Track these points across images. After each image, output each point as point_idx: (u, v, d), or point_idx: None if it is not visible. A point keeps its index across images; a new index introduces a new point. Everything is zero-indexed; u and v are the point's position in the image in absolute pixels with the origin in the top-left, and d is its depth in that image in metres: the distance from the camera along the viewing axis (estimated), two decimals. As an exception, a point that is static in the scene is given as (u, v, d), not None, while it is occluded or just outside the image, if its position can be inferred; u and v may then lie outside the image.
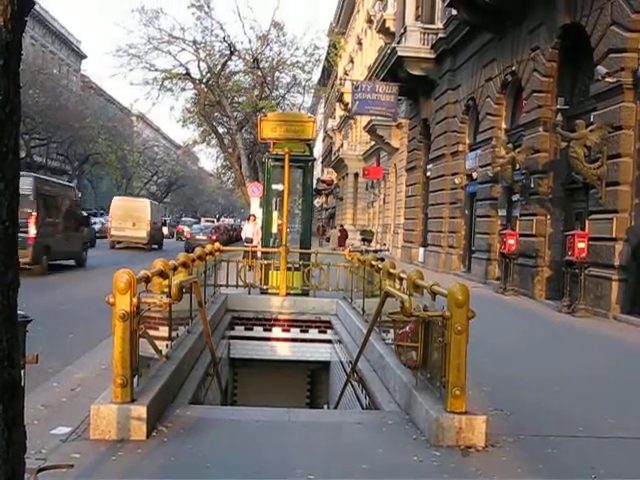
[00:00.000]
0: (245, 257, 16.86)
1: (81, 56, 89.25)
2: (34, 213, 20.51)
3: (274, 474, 5.33)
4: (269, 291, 15.84)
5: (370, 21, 50.73)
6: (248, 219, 29.21)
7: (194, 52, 39.29)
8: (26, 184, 19.39)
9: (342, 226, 53.44)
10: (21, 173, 2.71)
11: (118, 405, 5.89)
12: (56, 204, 23.68)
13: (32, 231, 20.34)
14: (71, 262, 25.63)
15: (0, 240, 2.49)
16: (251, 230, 26.77)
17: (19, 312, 2.80)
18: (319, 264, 15.92)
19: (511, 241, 19.21)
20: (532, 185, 19.19)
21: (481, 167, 23.85)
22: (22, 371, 3.81)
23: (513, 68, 21.01)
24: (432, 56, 29.44)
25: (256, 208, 30.81)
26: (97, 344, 10.33)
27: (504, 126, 22.83)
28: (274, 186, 17.40)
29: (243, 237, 28.49)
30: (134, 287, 6.04)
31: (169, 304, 7.01)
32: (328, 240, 49.39)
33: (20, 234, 2.55)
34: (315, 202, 70.66)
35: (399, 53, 29.96)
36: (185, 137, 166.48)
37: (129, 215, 41.08)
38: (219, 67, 39.81)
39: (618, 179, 14.91)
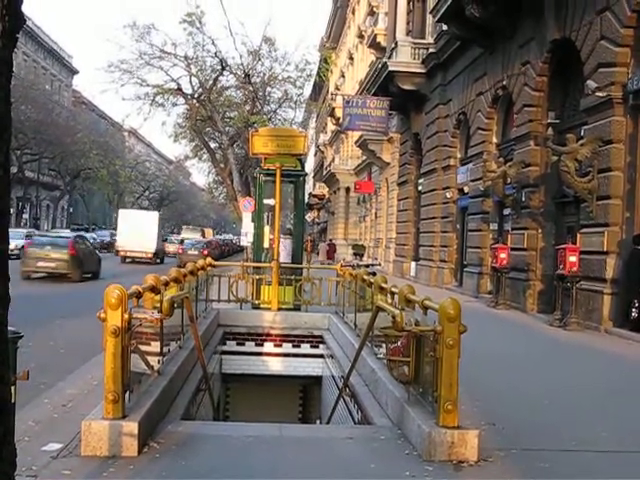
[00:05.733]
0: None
1: (73, 71, 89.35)
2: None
3: (266, 490, 5.32)
4: (261, 306, 15.81)
5: (361, 36, 50.93)
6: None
7: (186, 67, 39.35)
8: None
9: (331, 240, 55.19)
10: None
11: (109, 421, 5.86)
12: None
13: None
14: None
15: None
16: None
17: (9, 328, 2.80)
18: (311, 279, 15.91)
19: (503, 255, 19.24)
20: (523, 199, 19.24)
21: (472, 181, 23.89)
22: (13, 387, 3.81)
23: (504, 82, 21.09)
24: (423, 71, 29.54)
25: (248, 223, 30.73)
26: (89, 359, 10.30)
27: (495, 140, 22.90)
28: (266, 201, 17.36)
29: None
30: (125, 303, 6.03)
31: (160, 319, 7.00)
32: (318, 254, 50.23)
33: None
34: (307, 216, 70.75)
35: (390, 68, 30.08)
36: (177, 152, 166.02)
37: (137, 233, 45.50)
38: (211, 82, 39.87)
39: (609, 193, 14.95)
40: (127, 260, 45.13)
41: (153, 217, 49.37)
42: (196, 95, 40.70)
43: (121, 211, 56.39)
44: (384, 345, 8.47)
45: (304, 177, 17.97)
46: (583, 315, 15.14)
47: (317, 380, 15.19)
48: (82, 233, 43.78)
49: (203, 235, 75.00)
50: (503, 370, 10.52)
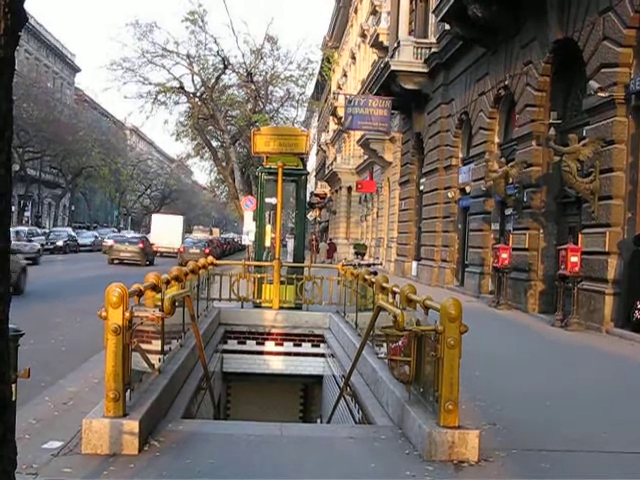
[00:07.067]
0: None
1: (75, 69, 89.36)
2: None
3: (266, 489, 5.32)
4: (262, 305, 15.80)
5: (364, 35, 50.90)
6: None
7: (188, 66, 39.45)
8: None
9: (331, 240, 56.21)
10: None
11: (110, 419, 5.86)
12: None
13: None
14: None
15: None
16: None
17: (10, 326, 2.80)
18: (312, 278, 15.90)
19: (504, 255, 19.20)
20: (525, 199, 19.21)
21: (474, 181, 23.88)
22: (13, 385, 3.81)
23: (506, 82, 21.07)
24: (425, 70, 29.52)
25: (249, 222, 30.73)
26: (90, 357, 10.31)
27: (497, 140, 22.87)
28: (267, 200, 17.38)
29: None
30: (126, 301, 6.03)
31: (161, 318, 7.00)
32: (318, 252, 50.75)
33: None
34: (309, 215, 70.87)
35: (392, 67, 30.05)
36: (179, 150, 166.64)
37: (166, 233, 56.39)
38: (213, 81, 39.94)
39: (611, 193, 14.93)
40: (157, 254, 53.49)
41: (179, 220, 61.37)
42: (198, 93, 40.78)
43: (154, 215, 68.92)
44: (385, 344, 8.45)
45: (306, 176, 17.95)
46: (584, 315, 15.12)
47: (318, 379, 15.19)
48: (146, 235, 56.94)
49: (211, 234, 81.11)
50: (504, 370, 10.51)
